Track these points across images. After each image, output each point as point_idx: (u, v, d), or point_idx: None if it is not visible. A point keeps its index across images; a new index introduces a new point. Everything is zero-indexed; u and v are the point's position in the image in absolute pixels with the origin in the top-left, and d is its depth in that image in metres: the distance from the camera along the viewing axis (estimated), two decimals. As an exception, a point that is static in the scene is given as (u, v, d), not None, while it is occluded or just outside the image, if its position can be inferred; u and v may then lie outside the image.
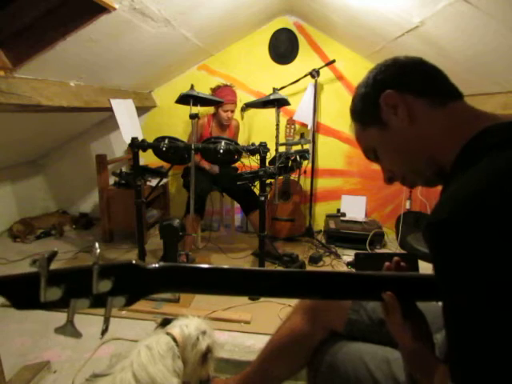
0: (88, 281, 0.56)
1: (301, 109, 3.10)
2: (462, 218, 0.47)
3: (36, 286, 0.54)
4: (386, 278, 0.68)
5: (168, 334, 1.13)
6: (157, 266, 0.62)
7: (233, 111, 2.81)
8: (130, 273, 0.60)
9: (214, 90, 2.79)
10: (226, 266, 0.64)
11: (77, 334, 0.58)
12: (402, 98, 0.65)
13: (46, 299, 0.55)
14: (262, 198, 2.17)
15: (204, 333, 1.19)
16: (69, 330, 0.57)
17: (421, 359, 0.64)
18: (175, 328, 1.16)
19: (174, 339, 1.11)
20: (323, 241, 3.04)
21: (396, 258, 0.74)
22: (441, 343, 0.82)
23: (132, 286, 0.60)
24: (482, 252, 0.44)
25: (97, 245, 0.59)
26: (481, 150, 0.54)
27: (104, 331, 0.58)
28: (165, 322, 1.22)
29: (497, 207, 0.44)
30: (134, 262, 0.60)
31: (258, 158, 2.17)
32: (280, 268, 2.54)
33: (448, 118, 0.63)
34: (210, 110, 2.93)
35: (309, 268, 2.58)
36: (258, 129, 3.32)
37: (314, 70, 2.93)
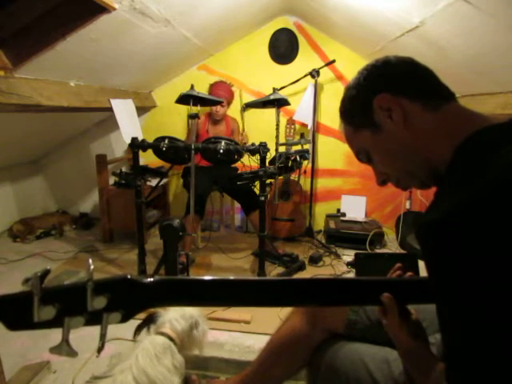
0: (82, 298, 0.55)
1: (301, 109, 3.10)
2: (455, 218, 0.47)
3: (29, 306, 0.53)
4: (381, 282, 0.69)
5: (162, 333, 1.12)
6: (152, 280, 0.60)
7: (223, 106, 2.83)
8: (125, 288, 0.59)
9: (212, 85, 2.87)
10: (222, 277, 0.63)
11: (72, 353, 0.56)
12: (397, 101, 0.64)
13: (39, 319, 0.54)
14: (262, 198, 2.17)
15: (197, 323, 1.19)
16: (64, 348, 0.56)
17: (418, 358, 0.65)
18: (166, 325, 1.15)
19: (170, 337, 1.11)
20: (323, 241, 3.04)
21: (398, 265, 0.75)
22: (439, 342, 0.82)
23: (128, 301, 0.59)
24: (474, 253, 0.44)
25: (90, 261, 0.57)
26: (474, 151, 0.54)
27: (100, 348, 0.57)
28: (149, 319, 1.19)
29: (491, 209, 0.44)
30: (128, 276, 0.59)
31: (258, 157, 2.17)
32: (280, 268, 2.55)
33: (442, 119, 0.62)
34: (208, 108, 2.93)
35: (309, 268, 2.58)
36: (258, 129, 3.32)
37: (314, 69, 2.93)
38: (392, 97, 0.64)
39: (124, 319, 0.59)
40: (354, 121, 0.71)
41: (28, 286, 0.53)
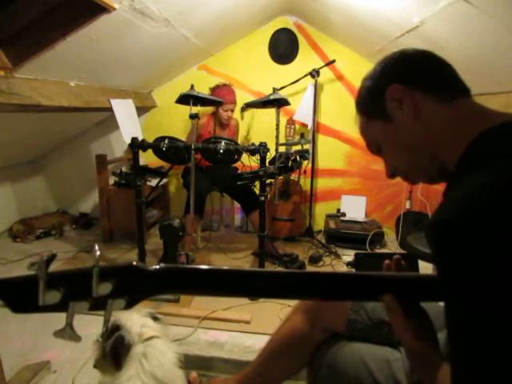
0: (87, 283, 0.55)
1: (301, 109, 3.10)
2: (466, 218, 0.46)
3: (34, 289, 0.54)
4: (386, 278, 0.68)
5: (149, 338, 1.08)
6: (157, 267, 0.61)
7: (233, 110, 2.83)
8: (130, 275, 0.59)
9: (213, 90, 2.80)
10: (226, 267, 0.64)
11: (76, 338, 0.57)
12: (409, 92, 0.64)
13: (44, 302, 0.54)
14: (262, 198, 2.17)
15: (155, 317, 1.19)
16: (68, 333, 0.56)
17: (424, 359, 0.63)
18: (144, 330, 1.11)
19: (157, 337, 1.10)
20: (323, 241, 3.03)
21: (396, 257, 0.74)
22: (442, 343, 0.81)
23: (132, 288, 0.59)
24: (485, 253, 0.44)
25: (96, 247, 0.57)
26: (486, 149, 0.54)
27: (104, 334, 0.57)
28: (116, 346, 1.08)
29: (502, 209, 0.44)
30: (134, 263, 0.59)
31: (258, 157, 2.17)
32: (280, 268, 2.55)
33: (454, 115, 0.62)
34: (210, 109, 2.93)
35: (309, 268, 2.58)
36: (258, 129, 3.32)
37: (314, 69, 2.93)
38: (404, 88, 0.64)
39: (128, 306, 0.59)
40: (366, 111, 0.72)
41: (34, 270, 0.54)
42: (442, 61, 0.68)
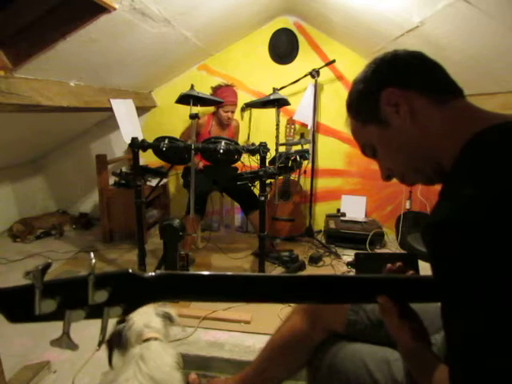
0: (83, 291, 0.55)
1: (301, 109, 3.10)
2: (461, 218, 0.46)
3: (30, 299, 0.53)
4: (381, 280, 0.68)
5: (149, 339, 1.09)
6: (153, 274, 0.61)
7: (233, 112, 2.83)
8: (126, 282, 0.59)
9: (215, 90, 2.80)
10: (223, 273, 0.63)
11: (73, 346, 0.57)
12: (404, 95, 0.63)
13: (40, 311, 0.54)
14: (262, 198, 2.17)
15: (170, 317, 1.19)
16: (65, 341, 0.56)
17: (419, 359, 0.64)
18: (145, 330, 1.12)
19: (157, 339, 1.10)
20: (323, 241, 3.03)
21: (399, 264, 0.74)
22: (439, 344, 0.81)
23: (129, 295, 0.59)
24: (481, 253, 0.44)
25: (92, 255, 0.58)
26: (481, 150, 0.54)
27: (101, 342, 0.57)
28: (115, 341, 1.11)
29: (497, 209, 0.44)
30: (130, 271, 0.59)
31: (258, 158, 2.17)
32: (280, 268, 2.55)
33: (449, 116, 0.62)
34: (210, 108, 2.93)
35: (309, 268, 2.58)
36: (258, 129, 3.32)
37: (313, 69, 2.93)
38: (399, 91, 0.63)
39: (125, 313, 0.59)
40: (360, 115, 0.71)
41: (29, 279, 0.54)
42: (433, 62, 0.67)
